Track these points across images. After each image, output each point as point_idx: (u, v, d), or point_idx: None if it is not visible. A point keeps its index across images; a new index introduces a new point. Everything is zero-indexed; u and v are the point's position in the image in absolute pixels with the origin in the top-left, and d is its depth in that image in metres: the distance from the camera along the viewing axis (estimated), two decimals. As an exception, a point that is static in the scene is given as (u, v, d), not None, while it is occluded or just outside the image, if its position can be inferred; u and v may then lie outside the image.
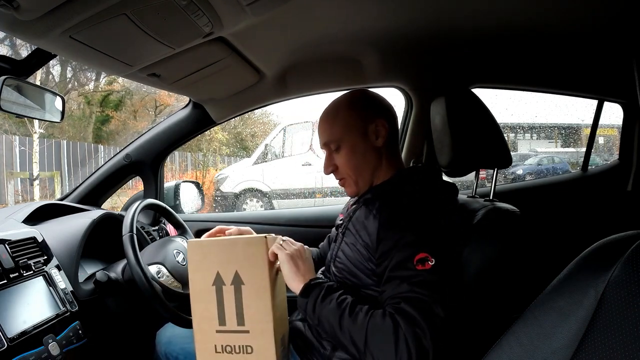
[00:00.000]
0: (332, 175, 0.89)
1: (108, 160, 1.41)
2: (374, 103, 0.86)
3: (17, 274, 0.82)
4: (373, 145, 0.84)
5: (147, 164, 1.39)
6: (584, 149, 1.74)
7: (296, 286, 0.74)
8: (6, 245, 0.84)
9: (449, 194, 0.86)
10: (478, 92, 1.05)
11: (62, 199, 1.37)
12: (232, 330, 0.73)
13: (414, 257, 0.68)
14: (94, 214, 1.10)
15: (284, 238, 0.80)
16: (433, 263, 0.67)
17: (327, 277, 0.86)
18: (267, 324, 0.71)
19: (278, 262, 0.75)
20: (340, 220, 0.93)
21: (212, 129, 1.50)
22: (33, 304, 0.82)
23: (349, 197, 0.97)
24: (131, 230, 0.91)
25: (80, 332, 0.87)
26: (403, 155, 1.44)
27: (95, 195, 1.39)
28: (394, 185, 0.83)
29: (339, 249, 0.84)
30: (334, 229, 1.06)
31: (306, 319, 0.74)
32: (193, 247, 0.75)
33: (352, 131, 0.83)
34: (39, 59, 0.93)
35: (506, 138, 1.08)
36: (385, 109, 0.86)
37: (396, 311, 0.65)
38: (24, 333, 0.76)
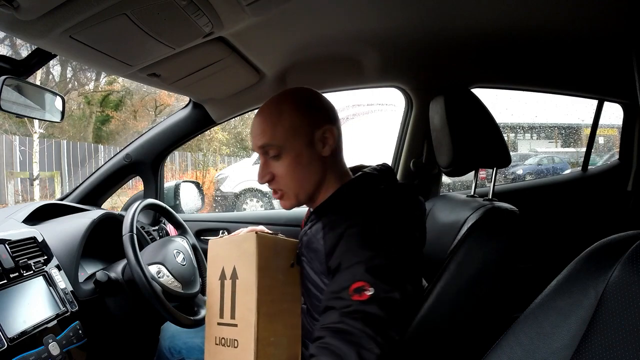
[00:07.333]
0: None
1: (108, 160, 1.41)
2: (322, 107, 0.75)
3: (17, 274, 0.82)
4: (319, 155, 0.73)
5: (147, 164, 1.39)
6: (584, 149, 1.74)
7: None
8: (6, 245, 0.84)
9: (407, 205, 0.75)
10: (478, 92, 1.05)
11: (62, 199, 1.37)
12: (227, 323, 0.75)
13: (350, 286, 0.61)
14: (94, 214, 1.10)
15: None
16: (371, 293, 0.60)
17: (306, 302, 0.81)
18: (251, 318, 0.71)
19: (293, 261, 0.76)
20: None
21: (212, 129, 1.50)
22: (33, 304, 0.82)
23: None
24: (131, 230, 0.91)
25: (80, 332, 0.87)
26: (403, 155, 1.44)
27: (95, 195, 1.39)
28: (337, 203, 0.74)
29: (301, 274, 0.79)
30: None
31: None
32: (210, 245, 0.82)
33: (298, 137, 0.72)
34: (39, 59, 0.93)
35: (506, 138, 1.08)
36: (333, 114, 0.76)
37: (319, 352, 0.59)
38: (24, 333, 0.76)
